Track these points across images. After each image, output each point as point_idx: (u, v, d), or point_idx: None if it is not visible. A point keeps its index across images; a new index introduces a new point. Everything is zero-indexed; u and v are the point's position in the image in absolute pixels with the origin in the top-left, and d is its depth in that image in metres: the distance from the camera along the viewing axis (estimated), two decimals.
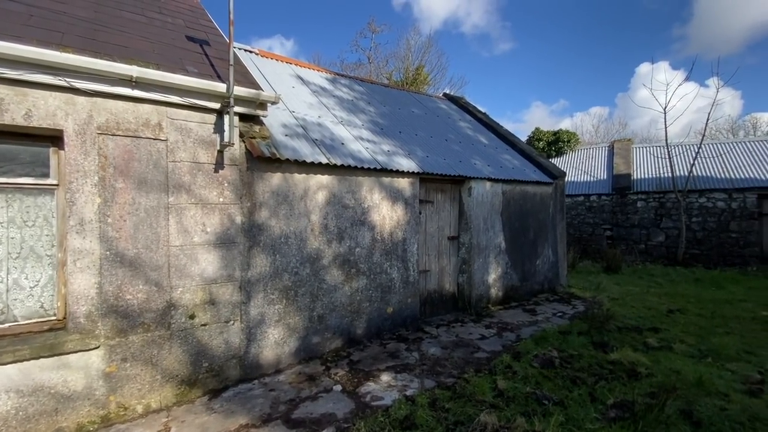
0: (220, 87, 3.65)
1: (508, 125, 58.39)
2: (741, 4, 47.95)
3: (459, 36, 50.17)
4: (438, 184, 6.18)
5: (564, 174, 8.55)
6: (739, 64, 48.90)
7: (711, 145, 15.30)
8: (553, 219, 8.25)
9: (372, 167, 4.90)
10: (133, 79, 3.26)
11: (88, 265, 3.18)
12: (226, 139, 3.67)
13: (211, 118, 3.79)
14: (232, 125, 3.69)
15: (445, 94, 11.24)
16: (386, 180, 5.19)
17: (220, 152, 3.79)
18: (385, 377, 3.98)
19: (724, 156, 14.36)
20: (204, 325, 3.72)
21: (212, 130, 3.78)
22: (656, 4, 53.83)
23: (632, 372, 3.97)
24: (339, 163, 4.55)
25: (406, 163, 5.49)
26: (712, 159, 14.26)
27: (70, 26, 3.50)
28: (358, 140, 5.45)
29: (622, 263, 11.66)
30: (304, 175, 4.39)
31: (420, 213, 5.81)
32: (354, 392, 3.67)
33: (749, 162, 13.61)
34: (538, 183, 7.79)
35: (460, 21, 49.79)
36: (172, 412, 3.36)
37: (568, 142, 18.51)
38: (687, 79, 16.36)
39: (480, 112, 10.17)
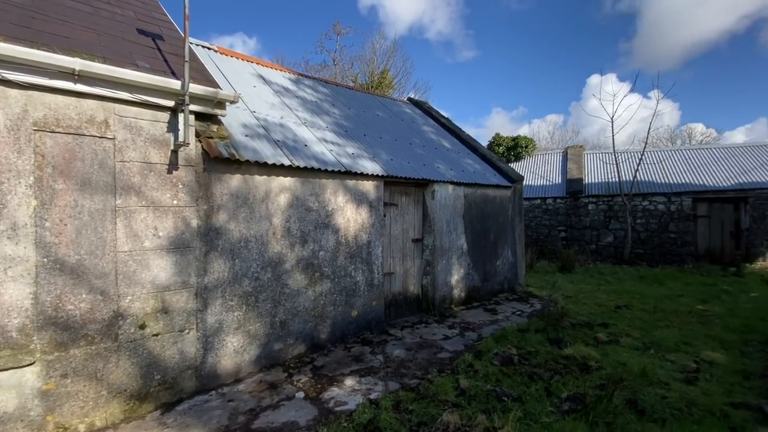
0: (174, 84, 3.48)
1: (471, 130, 60.16)
2: (679, 24, 52.48)
3: (424, 42, 51.12)
4: (402, 187, 6.23)
5: (522, 178, 8.92)
6: (677, 78, 53.55)
7: (652, 153, 16.55)
8: (512, 221, 8.58)
9: (336, 170, 4.86)
10: (76, 73, 3.03)
11: (22, 273, 2.91)
12: (180, 139, 3.50)
13: (165, 116, 3.60)
14: (187, 124, 3.52)
15: (409, 99, 11.40)
16: (351, 183, 5.16)
17: (175, 152, 3.61)
18: (350, 381, 3.94)
19: (663, 163, 15.59)
20: (156, 335, 3.51)
21: (166, 129, 3.59)
22: (605, 20, 57.72)
23: (584, 366, 4.19)
24: (302, 165, 4.48)
25: (371, 166, 5.50)
26: (653, 165, 15.43)
27: (2, 12, 3.20)
28: (321, 142, 5.39)
29: (576, 263, 12.31)
30: (265, 177, 4.27)
31: (385, 216, 5.84)
32: (317, 398, 3.60)
33: (685, 168, 14.86)
34: (498, 186, 8.07)
35: (425, 27, 50.79)
36: (120, 430, 3.13)
37: (526, 147, 19.34)
38: (631, 90, 17.66)
39: (443, 117, 10.39)
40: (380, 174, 5.46)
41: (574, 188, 15.22)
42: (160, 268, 3.53)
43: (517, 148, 19.30)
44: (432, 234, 6.51)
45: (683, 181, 13.99)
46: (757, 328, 5.93)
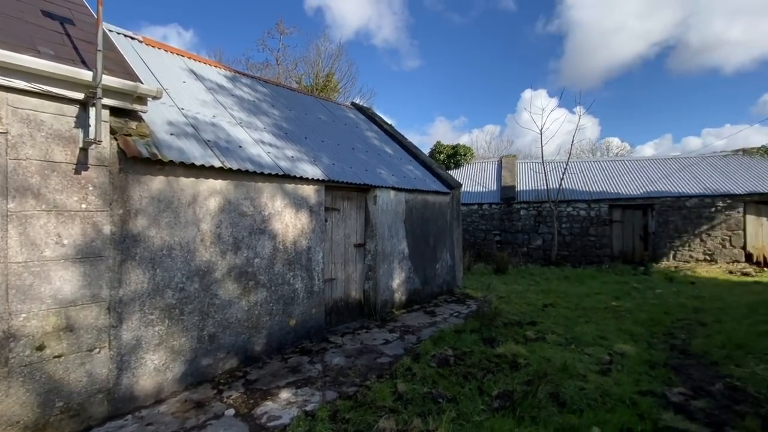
0: (85, 74, 3.12)
1: (415, 137, 61.77)
2: (600, 48, 58.57)
3: (370, 48, 51.69)
4: (344, 191, 6.18)
5: (460, 185, 9.30)
6: (598, 96, 59.60)
7: (576, 163, 18.18)
8: (451, 226, 8.90)
9: (274, 173, 4.68)
10: None
11: None
12: (90, 136, 3.14)
13: (72, 110, 3.21)
14: (99, 120, 3.18)
15: (353, 103, 11.39)
16: (290, 187, 5.00)
17: (84, 150, 3.23)
18: (285, 394, 3.78)
19: (585, 172, 17.19)
20: (58, 356, 3.09)
21: (73, 125, 3.20)
22: (537, 39, 62.70)
23: (514, 363, 4.43)
24: (235, 167, 4.24)
25: (312, 170, 5.38)
26: (576, 174, 16.95)
27: None
28: (258, 144, 5.16)
29: (509, 265, 13.09)
30: (193, 179, 3.98)
31: (326, 221, 5.74)
32: (249, 414, 3.40)
33: (603, 178, 16.52)
34: (437, 193, 8.33)
35: (372, 33, 51.39)
36: None
37: (465, 155, 20.26)
38: (559, 106, 19.25)
39: (386, 123, 10.52)
40: (321, 178, 5.36)
41: (507, 195, 16.21)
42: (65, 281, 3.12)
43: (456, 156, 20.14)
44: (374, 239, 6.52)
45: (601, 190, 15.52)
46: (661, 321, 6.71)
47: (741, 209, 13.32)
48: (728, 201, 13.44)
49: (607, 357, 4.76)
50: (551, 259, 14.65)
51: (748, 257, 13.24)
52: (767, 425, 3.13)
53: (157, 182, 3.71)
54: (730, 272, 12.45)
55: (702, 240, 13.65)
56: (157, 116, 4.27)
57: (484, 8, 62.71)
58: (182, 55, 6.78)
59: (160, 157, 3.63)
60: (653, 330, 6.14)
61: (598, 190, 15.55)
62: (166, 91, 5.00)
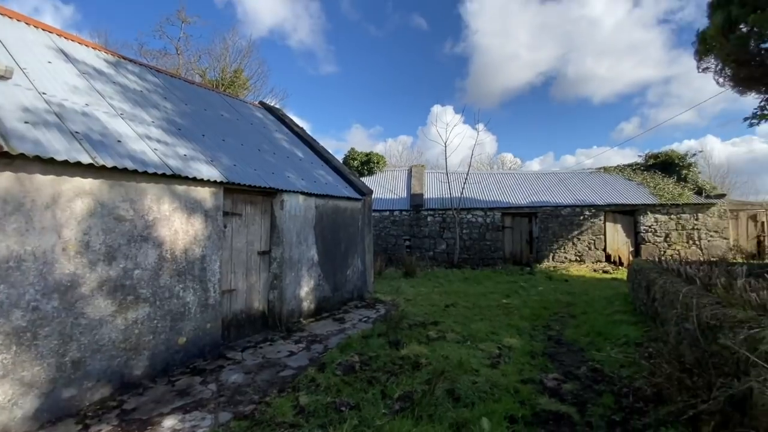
0: None
1: (331, 142, 61.60)
2: (498, 72, 65.29)
3: (285, 48, 50.21)
4: (247, 195, 5.81)
5: (371, 191, 9.46)
6: (495, 115, 66.24)
7: (475, 175, 19.92)
8: (362, 232, 8.99)
9: (161, 172, 4.18)
10: None
11: None
12: None
13: None
14: None
15: (261, 103, 10.87)
16: (181, 188, 4.52)
17: None
18: (170, 422, 3.36)
19: (482, 183, 18.94)
20: None
21: None
22: (446, 59, 67.61)
23: (416, 364, 4.59)
24: (111, 164, 3.69)
25: (208, 171, 4.95)
26: (475, 185, 18.57)
27: None
28: (143, 139, 4.57)
29: (417, 268, 13.72)
30: (53, 177, 3.35)
31: (225, 227, 5.32)
32: None
33: (497, 189, 18.38)
34: (349, 199, 8.35)
35: (287, 34, 49.96)
36: None
37: (378, 163, 20.79)
38: (464, 122, 20.90)
39: (297, 126, 10.25)
40: (220, 180, 4.96)
41: (416, 202, 17.04)
42: None
43: (370, 163, 20.55)
44: (281, 246, 6.25)
45: (496, 199, 17.23)
46: (541, 315, 7.63)
47: (602, 217, 15.96)
48: (593, 210, 16.00)
49: (497, 351, 5.23)
50: (454, 262, 15.76)
51: (608, 258, 15.90)
52: (618, 400, 3.73)
53: (2, 180, 3.03)
54: (595, 270, 14.81)
55: (574, 243, 16.00)
56: (7, 100, 3.51)
57: (398, 23, 65.65)
58: (50, 32, 5.73)
59: (7, 149, 2.98)
60: (535, 323, 6.95)
61: (493, 199, 17.24)
62: (23, 71, 4.17)
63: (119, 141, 4.18)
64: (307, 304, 6.83)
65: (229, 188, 5.27)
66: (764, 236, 16.25)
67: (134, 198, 3.98)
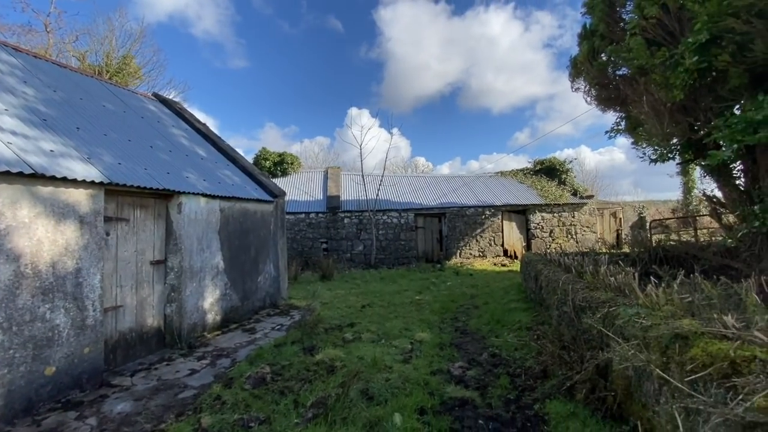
0: None
1: (242, 141, 57.95)
2: (411, 80, 68.20)
3: (188, 36, 45.77)
4: (136, 198, 5.14)
5: (284, 193, 9.11)
6: (409, 121, 69.22)
7: (390, 177, 20.54)
8: (275, 236, 8.60)
9: (16, 171, 3.46)
10: None
11: None
12: None
13: None
14: None
15: (155, 95, 9.74)
16: (46, 190, 3.80)
17: None
18: None
19: (397, 185, 19.59)
20: None
21: None
22: (362, 62, 68.56)
23: (331, 368, 4.53)
24: None
25: (83, 170, 4.24)
26: (390, 187, 19.14)
27: None
28: None
29: (335, 271, 13.61)
30: None
31: (108, 234, 4.63)
32: None
33: (411, 191, 19.18)
34: (259, 201, 7.92)
35: (190, 21, 45.61)
36: None
37: (292, 164, 20.16)
38: (380, 126, 21.38)
39: (199, 121, 9.41)
40: (99, 180, 4.29)
41: (333, 204, 16.93)
42: None
43: (283, 164, 19.83)
44: (179, 253, 5.65)
45: (409, 201, 17.97)
46: (449, 308, 8.14)
47: (500, 216, 17.68)
48: (492, 210, 17.64)
49: (409, 346, 5.43)
50: (371, 262, 16.01)
51: (505, 252, 17.66)
52: (514, 380, 4.13)
53: None
54: (495, 264, 16.33)
55: (477, 240, 17.45)
56: None
57: (313, 23, 64.59)
58: None
59: None
60: (444, 316, 7.40)
61: (406, 201, 17.96)
62: None
63: None
64: (212, 316, 6.29)
65: (112, 190, 4.60)
66: (621, 229, 19.69)
67: None
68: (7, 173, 3.40)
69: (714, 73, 5.51)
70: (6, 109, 4.31)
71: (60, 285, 3.87)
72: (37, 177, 3.67)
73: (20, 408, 3.50)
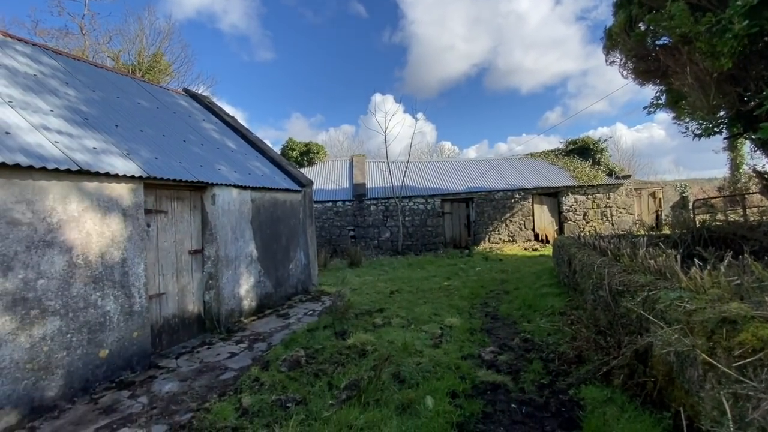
0: None
1: (270, 132, 59.11)
2: (435, 63, 66.70)
3: (216, 32, 46.72)
4: (173, 191, 5.37)
5: (311, 182, 9.25)
6: (434, 105, 68.03)
7: (415, 164, 20.36)
8: (304, 224, 8.78)
9: (65, 168, 3.69)
10: None
11: None
12: None
13: None
14: None
15: (185, 90, 10.05)
16: (92, 185, 4.04)
17: None
18: None
19: (423, 171, 19.42)
20: None
21: None
22: (385, 48, 67.66)
23: (362, 351, 4.63)
24: None
25: (124, 165, 4.47)
26: (416, 173, 18.99)
27: None
28: (40, 130, 4.00)
29: (363, 258, 13.79)
30: None
31: (149, 226, 4.88)
32: None
33: (436, 176, 18.96)
34: (287, 191, 8.08)
35: (217, 16, 46.49)
36: None
37: (318, 153, 20.37)
38: (404, 111, 21.15)
39: (228, 115, 9.65)
40: (139, 175, 4.51)
41: (359, 192, 17.03)
42: None
43: (309, 153, 20.07)
44: (214, 243, 5.89)
45: (435, 186, 17.79)
46: (479, 293, 8.08)
47: (530, 200, 17.21)
48: (522, 193, 17.19)
49: (439, 331, 5.45)
50: (398, 249, 16.08)
51: (536, 236, 17.24)
52: (547, 365, 4.08)
53: None
54: (525, 249, 15.99)
55: (506, 225, 17.10)
56: None
57: (337, 10, 64.15)
58: None
59: None
60: (473, 302, 7.35)
61: (433, 186, 17.79)
62: None
63: (8, 133, 3.60)
64: (247, 303, 6.55)
65: (150, 183, 4.83)
66: (661, 210, 18.71)
67: (32, 198, 3.48)
68: (57, 170, 3.63)
69: (766, 39, 5.05)
70: (51, 110, 4.58)
71: (108, 274, 4.14)
72: (82, 173, 3.90)
73: (79, 387, 3.81)
